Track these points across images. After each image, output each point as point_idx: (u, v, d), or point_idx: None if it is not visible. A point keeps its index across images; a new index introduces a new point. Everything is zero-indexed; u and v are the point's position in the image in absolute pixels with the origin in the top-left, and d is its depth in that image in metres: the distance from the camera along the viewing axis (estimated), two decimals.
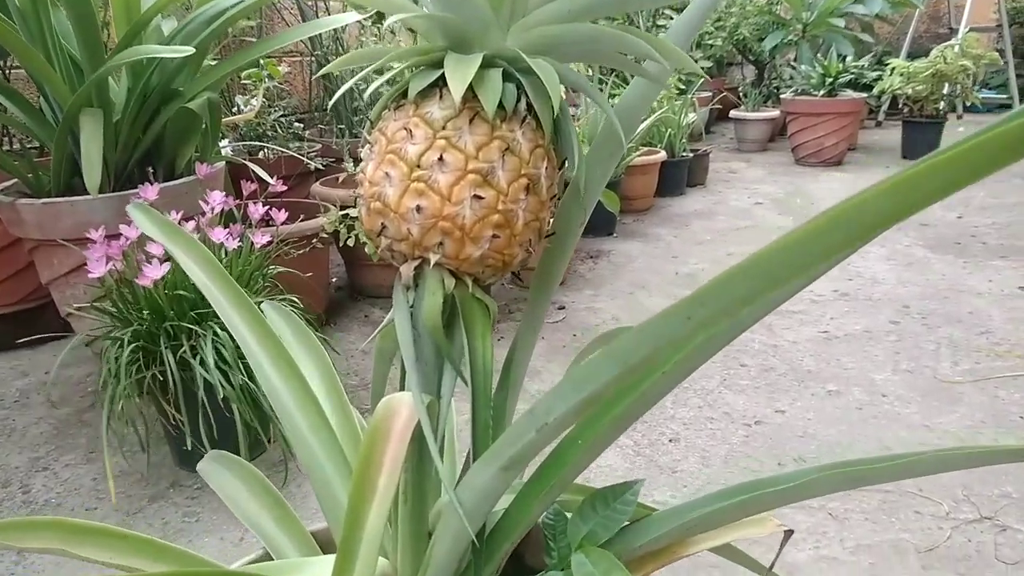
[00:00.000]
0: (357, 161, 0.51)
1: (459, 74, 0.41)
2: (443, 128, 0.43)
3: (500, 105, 0.43)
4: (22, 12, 1.29)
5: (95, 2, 1.26)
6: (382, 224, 0.45)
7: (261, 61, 1.93)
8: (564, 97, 0.48)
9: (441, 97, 0.44)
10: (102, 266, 1.00)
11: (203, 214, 1.27)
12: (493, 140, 0.44)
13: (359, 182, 0.47)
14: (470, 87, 0.42)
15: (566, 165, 0.49)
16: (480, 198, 0.43)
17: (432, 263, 0.44)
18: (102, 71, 1.22)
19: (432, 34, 0.47)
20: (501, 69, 0.45)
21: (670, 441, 1.40)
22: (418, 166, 0.43)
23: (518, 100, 0.45)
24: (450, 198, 0.43)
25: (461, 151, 0.43)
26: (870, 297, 2.11)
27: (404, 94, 0.46)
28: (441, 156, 0.43)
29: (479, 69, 0.43)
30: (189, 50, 1.19)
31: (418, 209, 0.43)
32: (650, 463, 1.34)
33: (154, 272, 1.00)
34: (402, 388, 0.49)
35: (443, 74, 0.44)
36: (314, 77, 2.62)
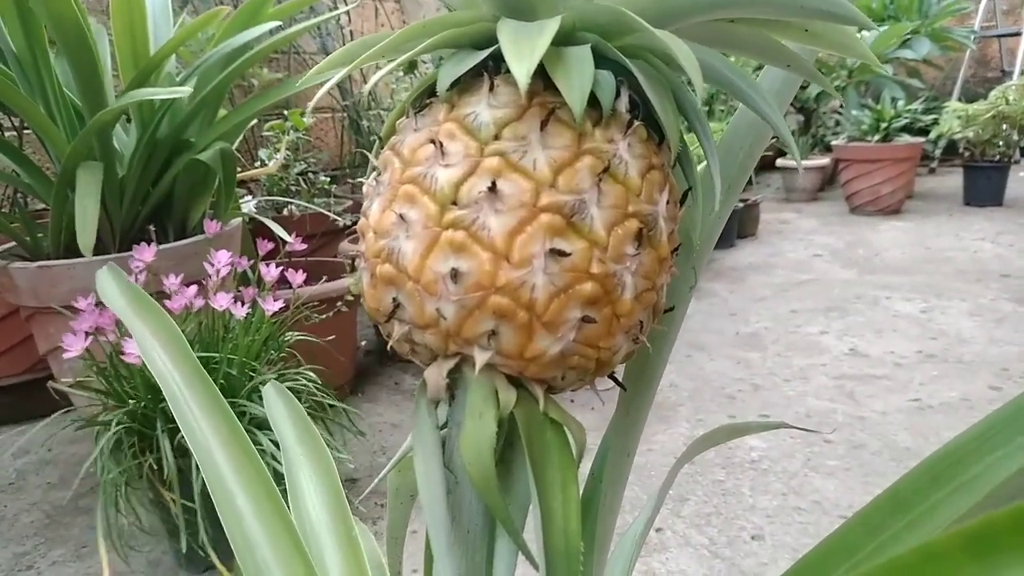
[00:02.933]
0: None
1: (525, 43, 0.24)
2: (496, 138, 0.26)
3: (591, 100, 0.26)
4: (20, 60, 1.18)
5: (97, 50, 1.14)
6: (394, 300, 0.27)
7: (284, 113, 1.81)
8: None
9: (492, 89, 0.27)
10: (81, 342, 0.85)
11: (210, 277, 1.11)
12: (582, 156, 0.26)
13: (360, 232, 0.29)
14: (541, 71, 0.25)
15: (688, 200, 0.31)
16: (562, 254, 0.25)
17: (479, 364, 0.26)
18: (99, 118, 1.09)
19: (472, 1, 0.30)
20: (589, 45, 0.27)
21: (752, 538, 1.18)
22: (454, 203, 0.25)
23: (617, 95, 0.27)
24: (509, 256, 0.25)
25: (528, 175, 0.25)
26: (960, 359, 1.86)
27: (430, 92, 0.29)
28: (494, 184, 0.25)
29: (554, 45, 0.25)
30: (186, 90, 1.06)
31: (455, 276, 0.25)
32: (731, 567, 1.12)
33: (137, 348, 0.84)
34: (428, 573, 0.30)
35: (493, 54, 0.27)
36: (322, 83, 2.52)
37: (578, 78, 0.25)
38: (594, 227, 0.25)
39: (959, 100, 4.10)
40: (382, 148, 0.30)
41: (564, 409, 0.29)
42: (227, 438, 0.46)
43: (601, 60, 0.28)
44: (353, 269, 1.76)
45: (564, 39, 0.28)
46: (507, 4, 0.28)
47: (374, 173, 0.29)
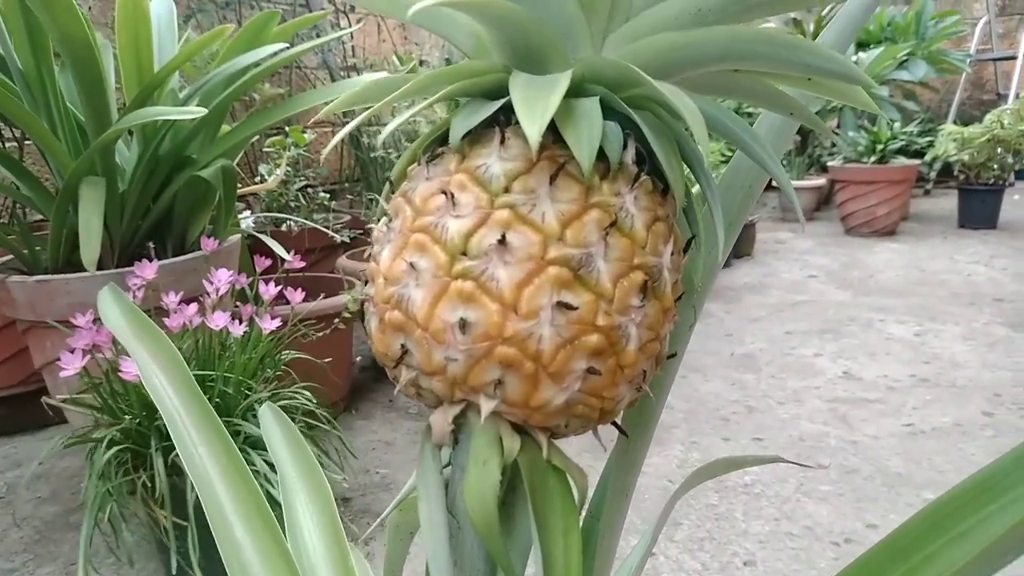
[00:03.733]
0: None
1: (537, 102, 0.25)
2: (506, 191, 0.26)
3: (599, 154, 0.26)
4: (25, 74, 1.19)
5: (103, 65, 1.14)
6: (402, 347, 0.27)
7: (286, 128, 1.82)
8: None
9: (503, 142, 0.27)
10: (78, 360, 0.84)
11: (208, 295, 1.11)
12: (589, 210, 0.26)
13: (369, 276, 0.30)
14: (551, 126, 0.26)
15: (692, 247, 0.32)
16: (568, 307, 0.25)
17: (484, 412, 0.27)
18: (104, 137, 1.10)
19: (483, 47, 0.30)
20: (598, 98, 0.28)
21: (745, 564, 1.18)
22: (464, 253, 0.26)
23: (624, 146, 0.28)
24: (517, 307, 0.25)
25: (537, 228, 0.26)
26: (953, 383, 1.87)
27: (442, 140, 0.30)
28: (503, 237, 0.25)
29: (564, 97, 0.26)
30: (199, 111, 1.06)
31: (463, 325, 0.25)
32: None
33: (134, 367, 0.84)
34: None
35: (504, 105, 0.27)
36: (335, 140, 2.53)
37: (587, 134, 0.25)
38: (601, 280, 0.26)
39: (954, 123, 4.13)
40: (392, 192, 0.31)
41: (567, 456, 0.29)
42: (226, 467, 0.46)
43: (608, 111, 0.28)
44: (351, 286, 1.76)
45: (573, 91, 0.28)
46: (519, 56, 0.28)
47: (384, 219, 0.30)
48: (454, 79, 0.28)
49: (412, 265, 0.26)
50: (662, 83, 0.26)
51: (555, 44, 0.28)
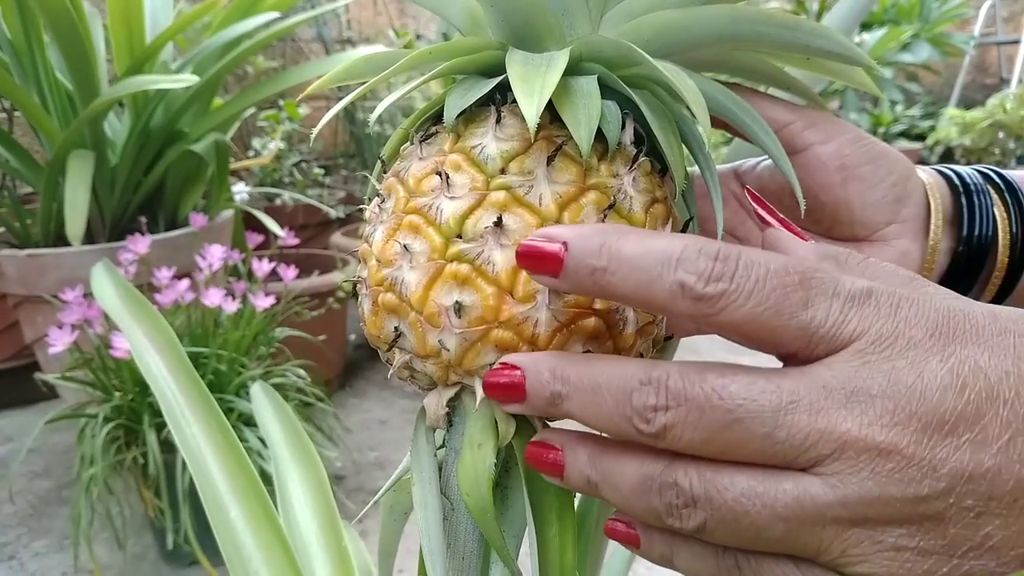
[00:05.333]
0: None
1: (534, 81, 0.24)
2: (502, 172, 0.26)
3: (597, 135, 0.26)
4: (14, 47, 1.17)
5: (90, 37, 1.12)
6: (396, 330, 0.27)
7: (280, 102, 1.80)
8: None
9: (499, 121, 0.26)
10: (67, 336, 0.84)
11: (201, 271, 1.11)
12: (587, 191, 0.26)
13: (362, 258, 0.29)
14: (548, 105, 0.25)
15: (690, 229, 0.31)
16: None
17: (479, 396, 0.26)
18: (92, 108, 1.08)
19: (478, 24, 0.29)
20: (595, 77, 0.27)
21: None
22: (459, 236, 0.25)
23: (622, 126, 0.27)
24: (513, 291, 0.25)
25: (534, 210, 0.25)
26: None
27: (435, 117, 0.29)
28: (500, 219, 0.25)
29: (561, 75, 0.25)
30: (190, 79, 1.05)
31: (458, 309, 0.25)
32: None
33: (126, 343, 0.83)
34: None
35: (500, 83, 0.27)
36: (329, 116, 2.50)
37: (585, 115, 0.25)
38: None
39: (957, 106, 4.11)
40: (384, 171, 0.30)
41: None
42: (221, 448, 0.46)
43: (606, 89, 0.28)
44: (345, 263, 1.76)
45: (570, 69, 0.27)
46: (515, 34, 0.28)
47: (377, 199, 0.29)
48: (448, 56, 0.27)
49: (406, 247, 0.26)
50: (662, 62, 0.25)
51: (551, 21, 0.27)
